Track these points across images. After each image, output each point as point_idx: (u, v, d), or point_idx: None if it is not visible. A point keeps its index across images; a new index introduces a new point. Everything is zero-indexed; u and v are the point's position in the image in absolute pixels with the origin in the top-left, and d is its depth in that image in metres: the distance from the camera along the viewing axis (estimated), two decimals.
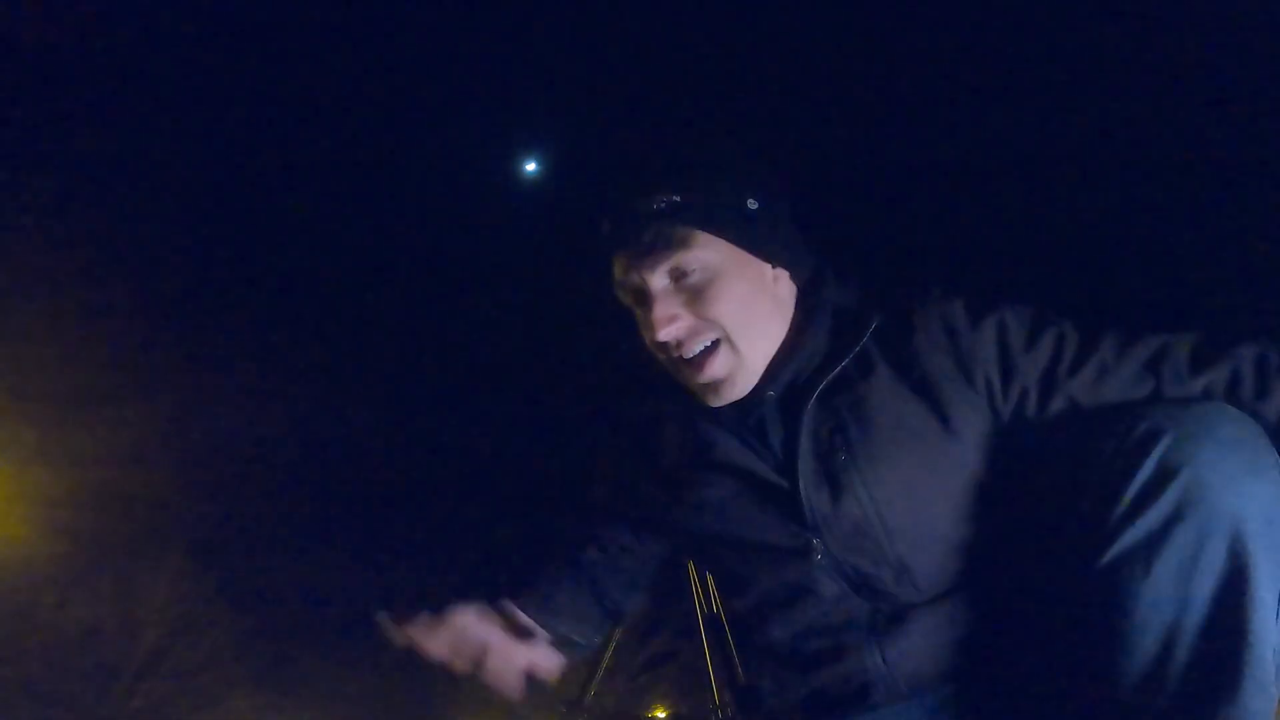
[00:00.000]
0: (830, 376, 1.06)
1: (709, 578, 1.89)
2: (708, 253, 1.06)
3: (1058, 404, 0.98)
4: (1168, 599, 0.82)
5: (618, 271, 1.10)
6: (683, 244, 1.05)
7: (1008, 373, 1.01)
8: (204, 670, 12.40)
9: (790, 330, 1.10)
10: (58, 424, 9.65)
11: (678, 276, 1.06)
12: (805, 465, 1.04)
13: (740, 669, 1.60)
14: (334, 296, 11.57)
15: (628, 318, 1.17)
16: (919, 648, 1.03)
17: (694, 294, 1.06)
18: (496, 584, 1.21)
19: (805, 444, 1.05)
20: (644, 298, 1.08)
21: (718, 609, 1.86)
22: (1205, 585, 0.81)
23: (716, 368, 1.06)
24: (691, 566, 1.86)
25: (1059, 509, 0.92)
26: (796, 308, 1.12)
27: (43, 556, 10.32)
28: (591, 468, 1.32)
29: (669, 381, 1.16)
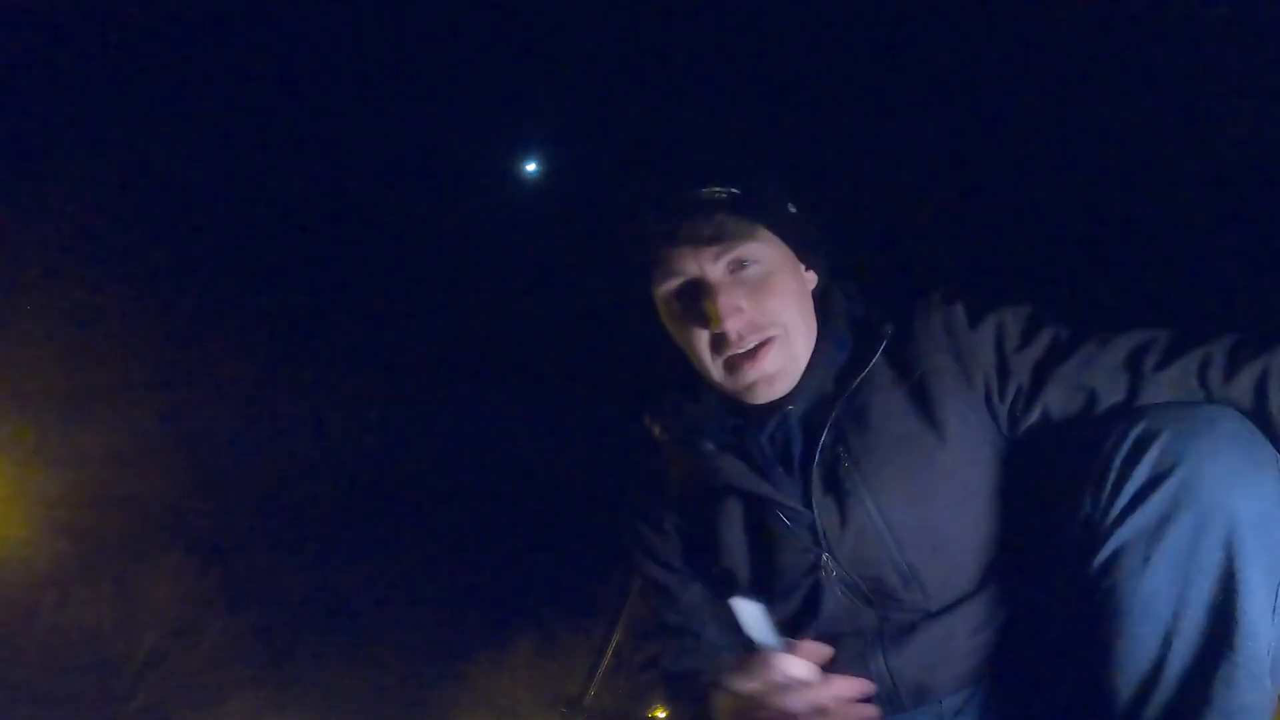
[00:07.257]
0: (849, 390, 1.04)
1: None
2: (768, 248, 1.04)
3: (1048, 394, 0.99)
4: (1164, 594, 0.83)
5: (666, 264, 1.04)
6: (747, 235, 1.02)
7: (1004, 372, 1.01)
8: (204, 670, 12.40)
9: (816, 337, 1.08)
10: (58, 424, 9.67)
11: (736, 268, 1.02)
12: (815, 480, 1.03)
13: None
14: (335, 297, 11.57)
15: (651, 325, 1.12)
16: (923, 660, 1.03)
17: (754, 288, 1.02)
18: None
19: (816, 458, 1.04)
20: (701, 290, 1.02)
21: None
22: (1201, 580, 0.82)
23: (771, 361, 1.02)
24: None
25: (1061, 509, 0.92)
26: (815, 315, 1.10)
27: (43, 556, 10.32)
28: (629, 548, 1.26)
29: (685, 396, 1.13)
